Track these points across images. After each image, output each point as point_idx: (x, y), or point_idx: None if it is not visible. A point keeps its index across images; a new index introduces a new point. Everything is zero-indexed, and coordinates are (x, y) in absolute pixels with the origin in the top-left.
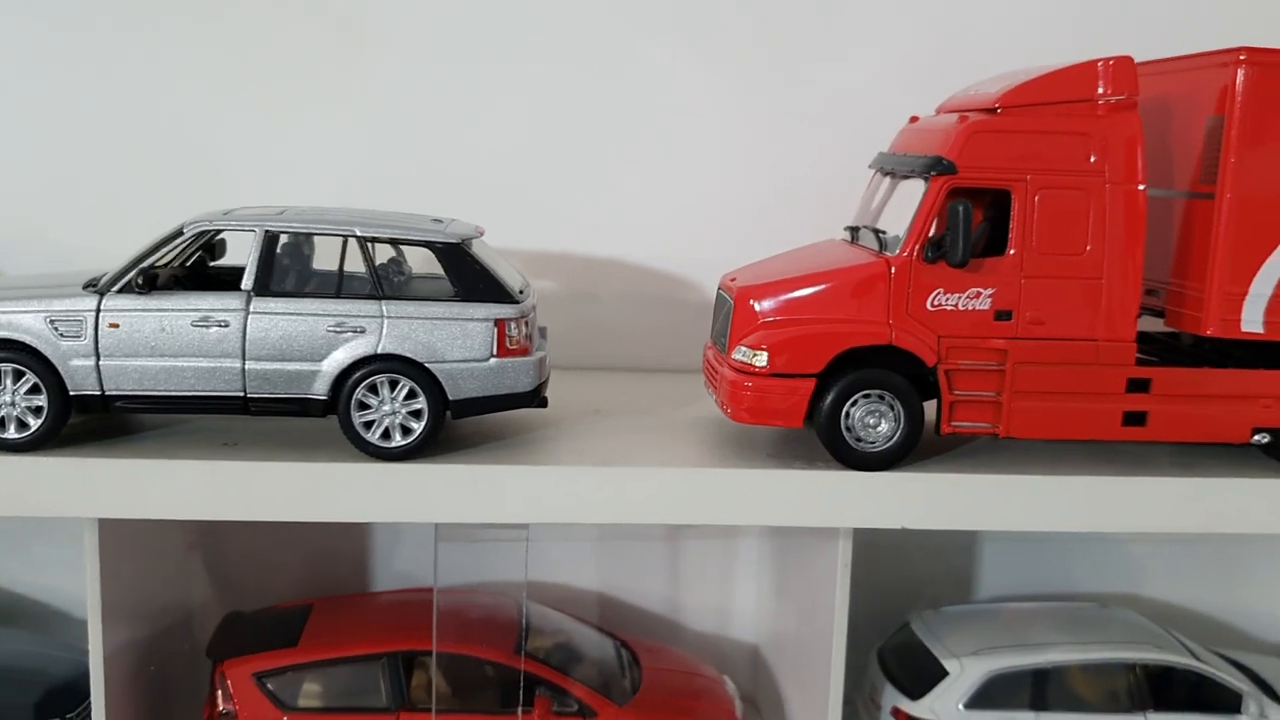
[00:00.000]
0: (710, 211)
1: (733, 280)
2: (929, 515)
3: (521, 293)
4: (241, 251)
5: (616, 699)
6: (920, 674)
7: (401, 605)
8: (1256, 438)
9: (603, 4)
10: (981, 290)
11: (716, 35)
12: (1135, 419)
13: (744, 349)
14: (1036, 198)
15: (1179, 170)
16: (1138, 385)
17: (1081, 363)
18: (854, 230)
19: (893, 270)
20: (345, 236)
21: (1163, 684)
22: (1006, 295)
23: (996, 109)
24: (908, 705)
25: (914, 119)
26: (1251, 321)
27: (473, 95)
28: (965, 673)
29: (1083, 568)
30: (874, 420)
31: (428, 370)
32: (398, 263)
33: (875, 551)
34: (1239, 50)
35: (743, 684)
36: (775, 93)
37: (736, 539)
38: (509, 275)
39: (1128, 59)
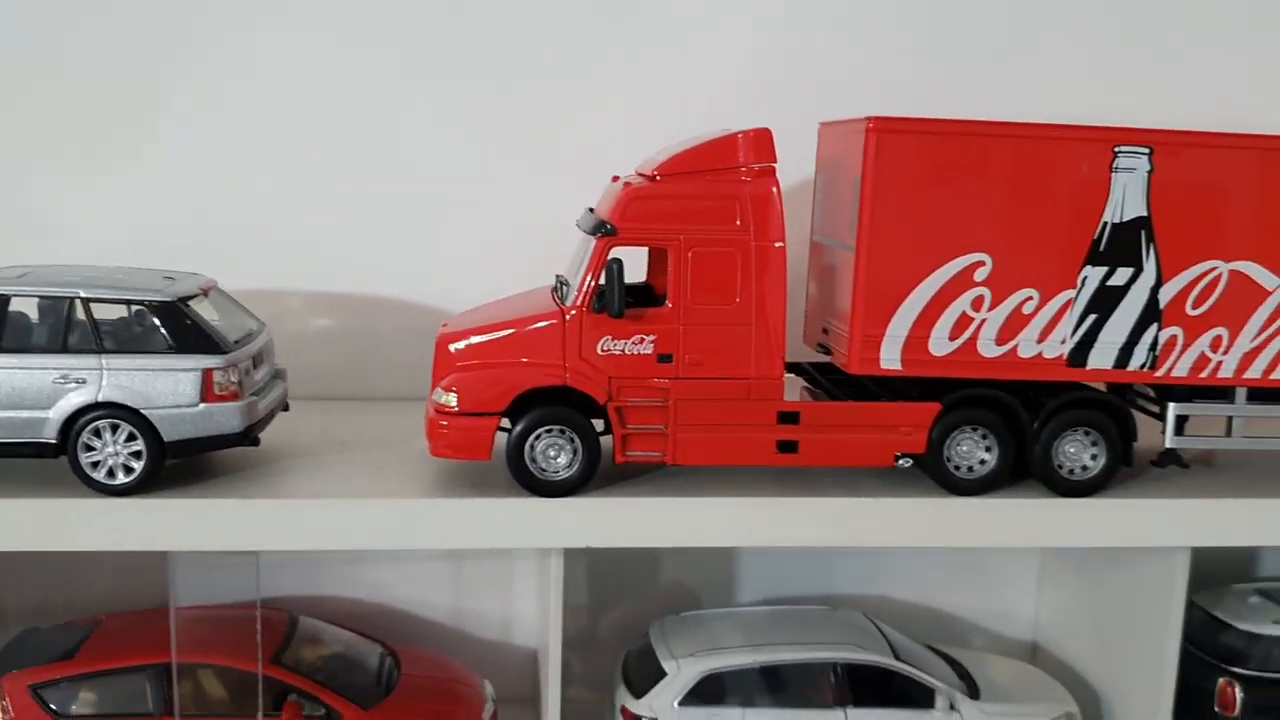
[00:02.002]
0: (476, 252)
1: (444, 326)
2: (610, 535)
3: (238, 343)
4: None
5: (363, 703)
6: (646, 675)
7: (182, 620)
8: (900, 462)
9: (367, 65)
10: (645, 336)
11: (477, 92)
12: (788, 447)
13: (440, 390)
14: (690, 255)
15: (840, 224)
16: (788, 417)
17: (736, 398)
18: (558, 279)
19: (567, 319)
20: (71, 298)
21: (863, 681)
22: (667, 341)
23: (656, 176)
24: (631, 704)
25: (614, 179)
26: (890, 360)
27: (256, 151)
28: (681, 673)
29: (844, 572)
30: (554, 452)
31: (144, 416)
32: (142, 314)
33: (655, 561)
34: (870, 119)
35: (523, 687)
36: (536, 142)
37: (512, 555)
38: (229, 327)
39: (766, 131)
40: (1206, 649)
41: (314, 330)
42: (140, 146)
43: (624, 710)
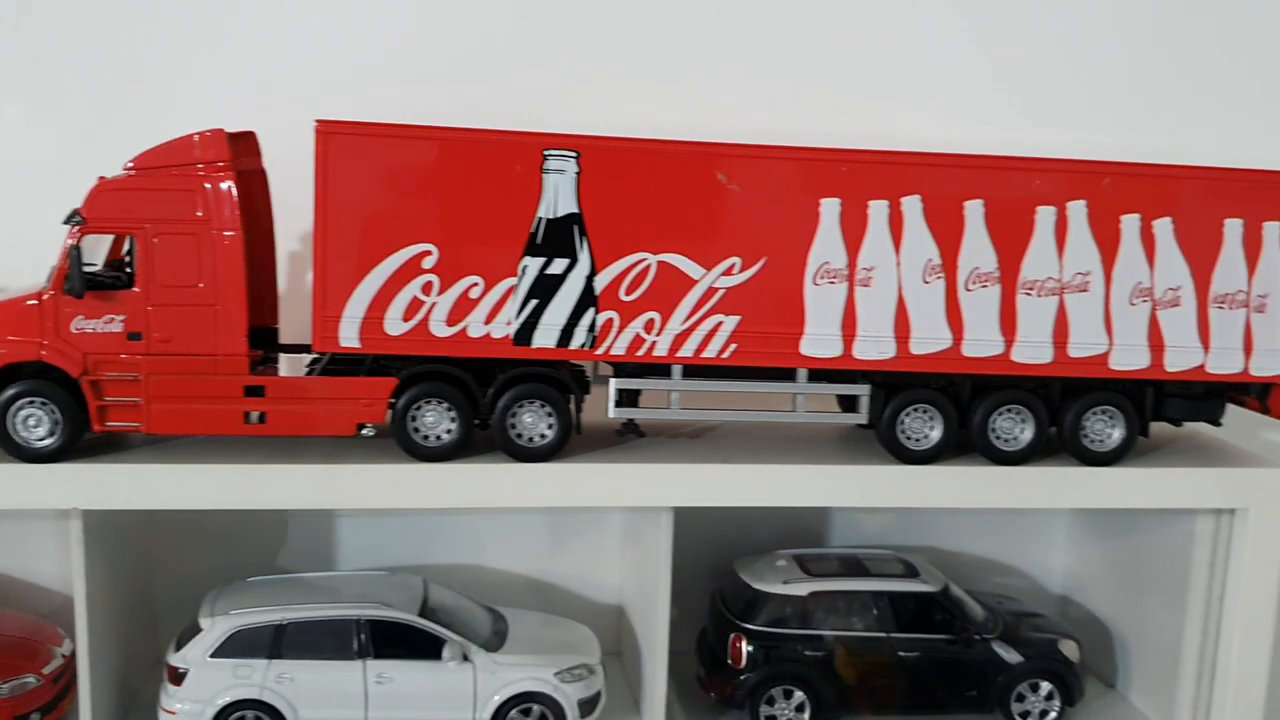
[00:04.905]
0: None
1: None
2: (92, 497)
3: None
4: None
5: None
6: (185, 631)
7: None
8: (363, 431)
9: None
10: (115, 316)
11: (75, 94)
12: (258, 417)
13: None
14: (154, 241)
15: None
16: (254, 391)
17: (205, 373)
18: None
19: (43, 300)
20: None
21: (384, 636)
22: (136, 320)
23: (132, 170)
24: (172, 657)
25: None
26: (348, 339)
27: None
28: (214, 628)
29: (446, 542)
30: (34, 422)
31: None
32: None
33: (259, 528)
34: (318, 121)
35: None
36: (131, 141)
37: None
38: None
39: (219, 132)
40: (730, 608)
41: None
42: None
43: (167, 664)
